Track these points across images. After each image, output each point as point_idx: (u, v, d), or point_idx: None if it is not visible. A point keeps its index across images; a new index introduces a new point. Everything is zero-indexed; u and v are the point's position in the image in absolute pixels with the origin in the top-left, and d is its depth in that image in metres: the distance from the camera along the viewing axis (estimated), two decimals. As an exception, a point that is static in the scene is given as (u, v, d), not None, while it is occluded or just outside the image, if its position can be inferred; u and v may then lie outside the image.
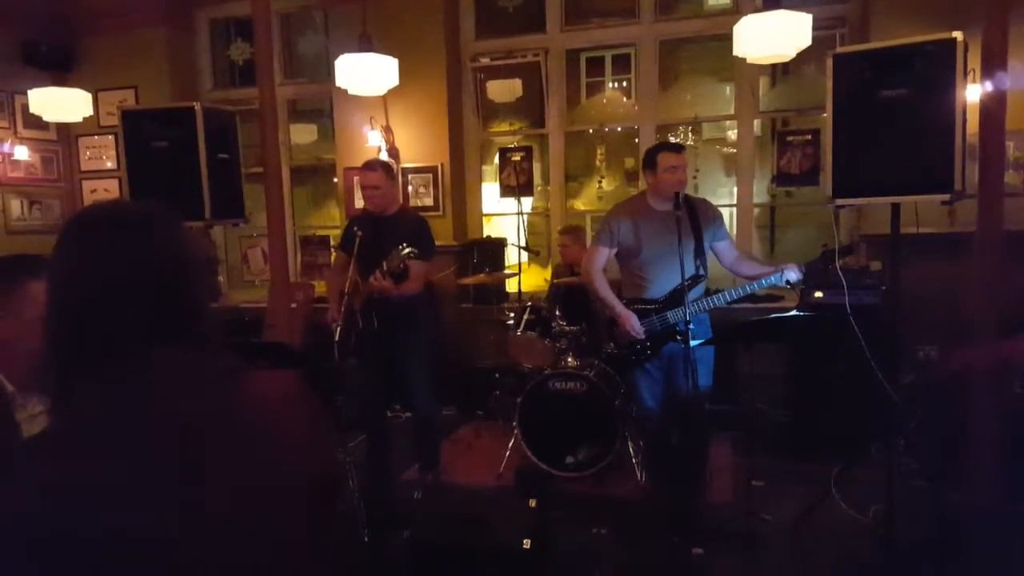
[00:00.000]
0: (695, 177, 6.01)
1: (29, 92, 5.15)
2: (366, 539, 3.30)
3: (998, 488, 2.79)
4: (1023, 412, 3.17)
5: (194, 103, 3.38)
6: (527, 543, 2.55)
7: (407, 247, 3.34)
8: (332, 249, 6.20)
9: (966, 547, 2.83)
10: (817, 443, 4.01)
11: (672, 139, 7.27)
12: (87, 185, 6.33)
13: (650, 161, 3.40)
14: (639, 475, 3.95)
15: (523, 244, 5.13)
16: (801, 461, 3.98)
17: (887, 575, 2.74)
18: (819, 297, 4.14)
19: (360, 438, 3.96)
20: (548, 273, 5.86)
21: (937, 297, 3.79)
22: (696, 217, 3.39)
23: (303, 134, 7.20)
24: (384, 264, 3.39)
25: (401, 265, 3.39)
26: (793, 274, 3.29)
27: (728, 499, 3.72)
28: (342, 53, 4.31)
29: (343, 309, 3.56)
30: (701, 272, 3.39)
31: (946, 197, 2.60)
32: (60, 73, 5.93)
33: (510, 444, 4.25)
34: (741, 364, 3.74)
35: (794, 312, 3.91)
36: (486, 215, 6.14)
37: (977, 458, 2.80)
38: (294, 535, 0.93)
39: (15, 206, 5.96)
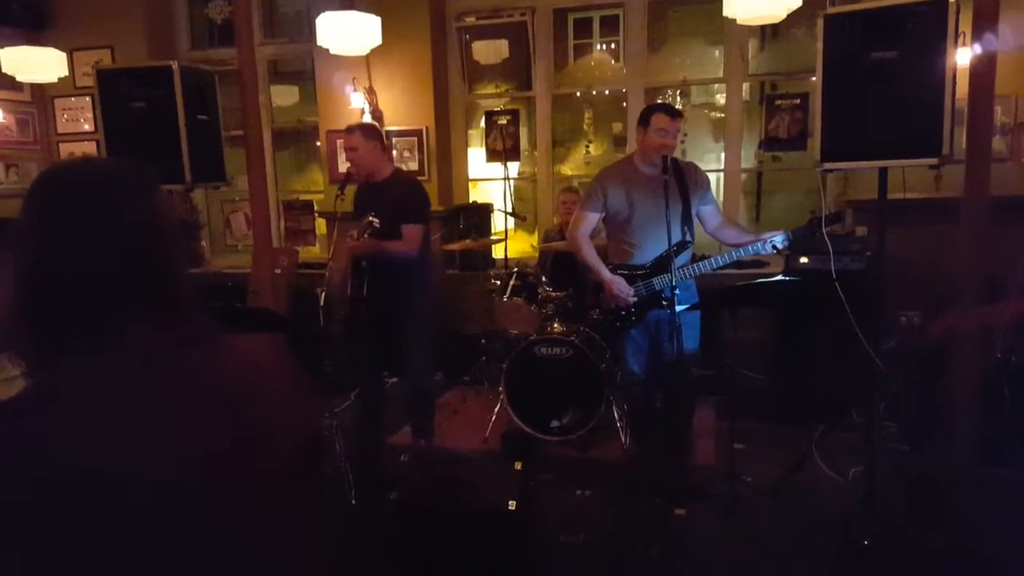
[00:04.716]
0: (683, 142, 5.96)
1: (1, 51, 4.99)
2: (353, 502, 3.33)
3: (976, 451, 2.84)
4: (1002, 377, 3.22)
5: (171, 62, 3.30)
6: (512, 505, 2.57)
7: (372, 217, 3.30)
8: (316, 214, 6.13)
9: (944, 509, 2.89)
10: (799, 407, 4.06)
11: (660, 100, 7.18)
12: (64, 148, 6.20)
13: (644, 119, 3.35)
14: (623, 439, 3.99)
15: (510, 209, 5.09)
16: (783, 425, 4.03)
17: (866, 536, 2.78)
18: (804, 263, 4.16)
19: (347, 403, 3.96)
20: (535, 239, 5.83)
21: (922, 262, 3.81)
22: (684, 182, 3.36)
23: (285, 96, 7.07)
24: (355, 232, 3.35)
25: (365, 235, 3.34)
26: (779, 240, 3.29)
27: (711, 462, 3.77)
28: (324, 11, 4.20)
29: (342, 275, 3.52)
30: (688, 238, 3.38)
31: (934, 161, 2.58)
32: (34, 32, 5.76)
33: (496, 409, 4.28)
34: (726, 329, 3.74)
35: (779, 277, 3.92)
36: (472, 180, 6.08)
37: (957, 422, 2.84)
38: (278, 496, 0.92)
39: (-9, 169, 5.84)
